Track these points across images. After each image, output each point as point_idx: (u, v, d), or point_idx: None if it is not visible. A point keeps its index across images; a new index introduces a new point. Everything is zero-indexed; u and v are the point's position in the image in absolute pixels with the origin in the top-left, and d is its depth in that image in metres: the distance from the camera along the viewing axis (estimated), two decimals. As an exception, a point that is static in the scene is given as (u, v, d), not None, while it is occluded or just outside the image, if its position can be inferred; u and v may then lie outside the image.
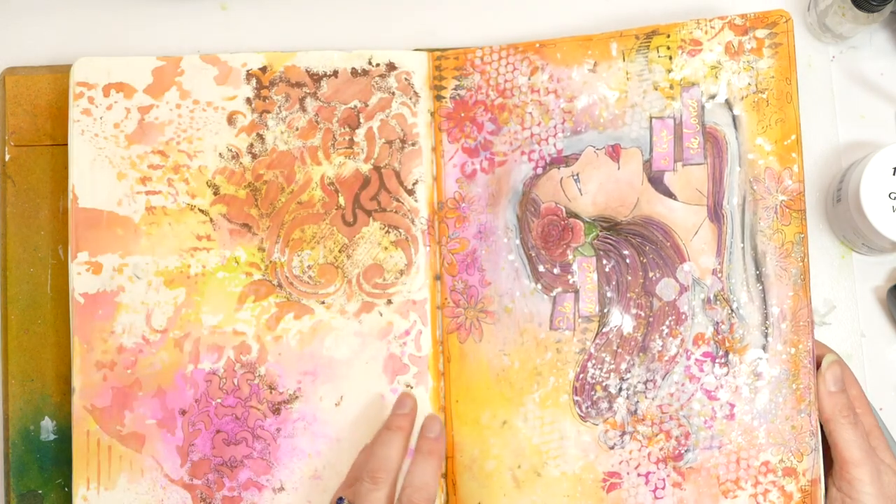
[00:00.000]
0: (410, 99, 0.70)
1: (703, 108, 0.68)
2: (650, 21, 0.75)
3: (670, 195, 0.68)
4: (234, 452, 0.69)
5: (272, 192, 0.70)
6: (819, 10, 0.74)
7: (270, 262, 0.69)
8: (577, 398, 0.68)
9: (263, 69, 0.71)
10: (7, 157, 0.74)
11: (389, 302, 0.69)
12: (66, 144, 0.71)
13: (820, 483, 0.66)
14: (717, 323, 0.67)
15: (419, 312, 0.69)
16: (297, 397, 0.69)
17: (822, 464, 0.66)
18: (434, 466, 0.64)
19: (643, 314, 0.68)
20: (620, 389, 0.67)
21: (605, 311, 0.68)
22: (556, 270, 0.68)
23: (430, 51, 0.73)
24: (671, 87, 0.69)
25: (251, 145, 0.70)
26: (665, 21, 0.70)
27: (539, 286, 0.68)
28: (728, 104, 0.68)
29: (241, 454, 0.69)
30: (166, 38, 0.77)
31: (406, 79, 0.70)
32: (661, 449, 0.67)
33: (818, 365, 0.67)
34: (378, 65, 0.71)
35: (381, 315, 0.69)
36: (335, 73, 0.71)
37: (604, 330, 0.68)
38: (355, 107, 0.70)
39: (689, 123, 0.68)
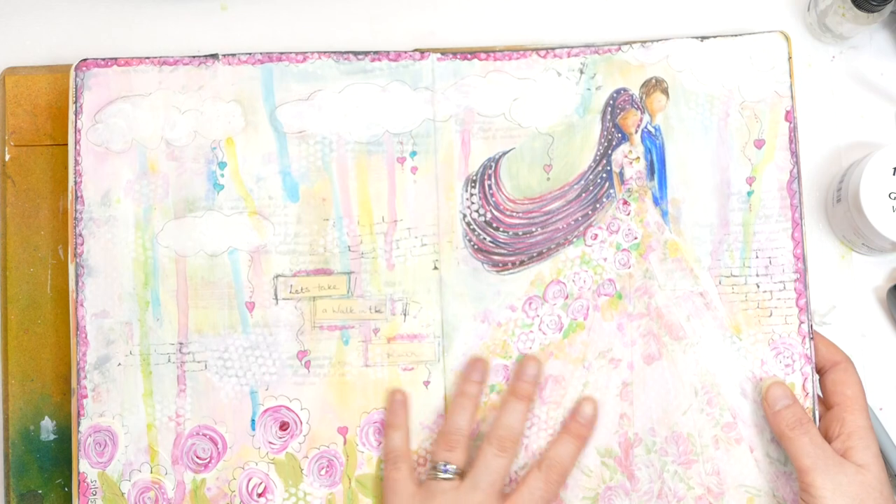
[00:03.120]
0: None
1: None
2: (651, 24, 0.75)
3: None
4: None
5: None
6: (819, 10, 0.74)
7: None
8: None
9: None
10: (7, 157, 0.74)
11: None
12: (66, 144, 0.72)
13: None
14: None
15: None
16: None
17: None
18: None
19: None
20: None
21: None
22: None
23: (431, 50, 0.73)
24: None
25: None
26: (666, 22, 0.71)
27: None
28: None
29: None
30: (166, 38, 0.77)
31: None
32: None
33: (819, 368, 0.68)
34: None
35: None
36: None
37: None
38: None
39: None
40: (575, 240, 0.71)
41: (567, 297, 0.71)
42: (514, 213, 0.71)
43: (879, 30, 0.76)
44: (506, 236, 0.71)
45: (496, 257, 0.71)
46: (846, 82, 0.76)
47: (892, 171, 0.69)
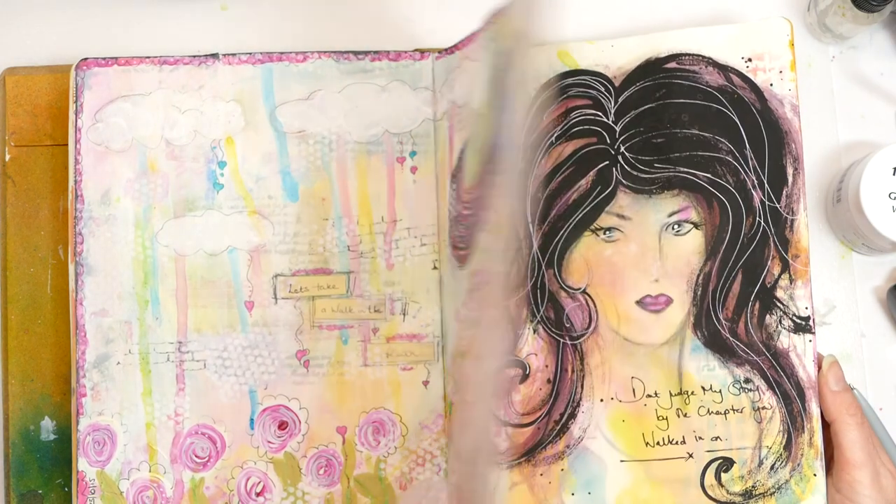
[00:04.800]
0: None
1: None
2: (655, 24, 0.75)
3: None
4: None
5: None
6: (819, 10, 0.74)
7: None
8: None
9: None
10: (7, 157, 0.74)
11: None
12: (66, 144, 0.72)
13: (822, 482, 0.66)
14: None
15: None
16: None
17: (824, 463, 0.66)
18: None
19: None
20: None
21: None
22: None
23: (431, 50, 0.73)
24: None
25: None
26: (666, 26, 0.71)
27: None
28: None
29: None
30: (166, 38, 0.77)
31: None
32: None
33: (819, 366, 0.67)
34: None
35: None
36: None
37: None
38: None
39: None
40: None
41: None
42: (468, 205, 0.71)
43: (879, 30, 0.76)
44: (464, 228, 0.71)
45: (461, 252, 0.71)
46: (846, 82, 0.76)
47: (892, 171, 0.69)
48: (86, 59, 0.72)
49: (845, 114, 0.75)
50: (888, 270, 0.74)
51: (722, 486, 0.67)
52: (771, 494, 0.66)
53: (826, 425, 0.66)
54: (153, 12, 0.77)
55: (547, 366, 0.69)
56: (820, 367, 0.67)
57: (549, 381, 0.69)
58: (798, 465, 0.66)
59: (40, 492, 0.72)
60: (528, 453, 0.68)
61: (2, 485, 0.73)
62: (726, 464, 0.67)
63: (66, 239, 0.73)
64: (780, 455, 0.66)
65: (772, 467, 0.67)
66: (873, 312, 0.74)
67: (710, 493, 0.67)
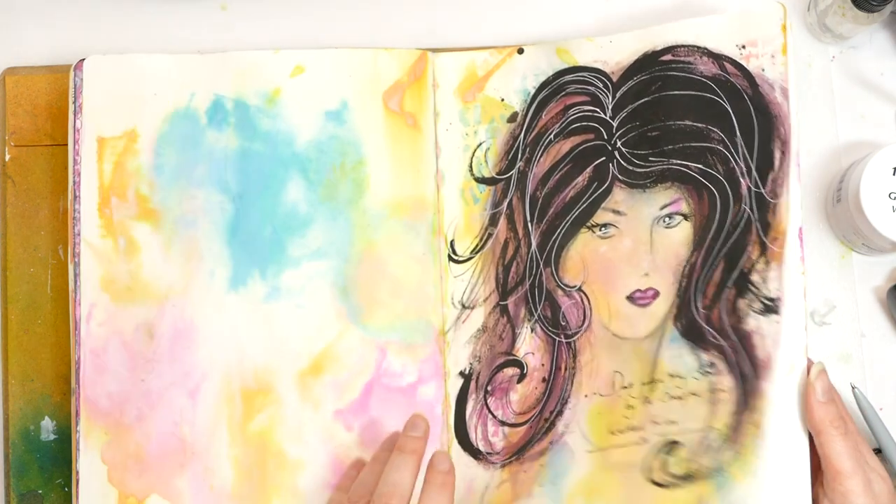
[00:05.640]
0: None
1: None
2: (652, 20, 0.75)
3: None
4: None
5: None
6: (819, 10, 0.74)
7: None
8: None
9: None
10: (7, 157, 0.74)
11: None
12: (66, 144, 0.72)
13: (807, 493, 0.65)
14: None
15: None
16: None
17: (810, 474, 0.65)
18: (447, 498, 0.61)
19: None
20: None
21: None
22: None
23: (431, 50, 0.73)
24: None
25: None
26: (665, 19, 0.71)
27: None
28: None
29: None
30: (166, 38, 0.77)
31: None
32: None
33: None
34: None
35: None
36: None
37: None
38: None
39: None
40: None
41: None
42: None
43: (879, 30, 0.76)
44: None
45: None
46: (846, 82, 0.76)
47: (892, 171, 0.69)
48: (85, 58, 0.71)
49: (845, 114, 0.75)
50: (888, 270, 0.74)
51: (664, 469, 0.66)
52: (711, 477, 0.65)
53: (810, 437, 0.65)
54: (153, 12, 0.77)
55: (543, 364, 0.69)
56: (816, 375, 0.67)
57: (544, 379, 0.69)
58: (741, 446, 0.65)
59: (40, 492, 0.72)
60: (519, 452, 0.68)
61: (2, 485, 0.73)
62: (672, 447, 0.66)
63: (66, 239, 0.73)
64: (726, 436, 0.65)
65: (714, 448, 0.65)
66: (873, 312, 0.74)
67: (652, 476, 0.66)
